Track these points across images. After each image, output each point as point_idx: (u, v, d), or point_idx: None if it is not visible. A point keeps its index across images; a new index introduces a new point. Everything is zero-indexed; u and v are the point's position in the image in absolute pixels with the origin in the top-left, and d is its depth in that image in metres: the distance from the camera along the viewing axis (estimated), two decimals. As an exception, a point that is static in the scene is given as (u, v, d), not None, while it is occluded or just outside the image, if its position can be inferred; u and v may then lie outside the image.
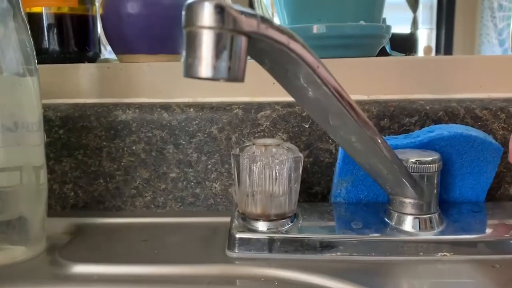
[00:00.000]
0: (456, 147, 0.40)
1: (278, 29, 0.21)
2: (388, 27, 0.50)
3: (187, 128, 0.46)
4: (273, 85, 0.48)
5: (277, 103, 0.46)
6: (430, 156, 0.37)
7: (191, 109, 0.46)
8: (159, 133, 0.46)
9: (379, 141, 0.29)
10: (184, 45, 0.20)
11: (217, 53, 0.19)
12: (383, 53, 0.58)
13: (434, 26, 3.08)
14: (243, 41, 0.19)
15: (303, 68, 0.23)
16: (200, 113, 0.46)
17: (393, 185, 0.36)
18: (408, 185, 0.34)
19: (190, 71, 0.19)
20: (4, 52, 0.37)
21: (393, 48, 0.64)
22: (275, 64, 0.23)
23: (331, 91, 0.25)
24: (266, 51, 0.22)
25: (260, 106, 0.46)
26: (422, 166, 0.36)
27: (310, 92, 0.25)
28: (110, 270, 0.36)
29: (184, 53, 0.20)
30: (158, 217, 0.46)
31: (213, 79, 0.19)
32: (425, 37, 3.05)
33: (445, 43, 2.88)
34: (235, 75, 0.20)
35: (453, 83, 0.47)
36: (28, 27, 0.39)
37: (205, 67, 0.19)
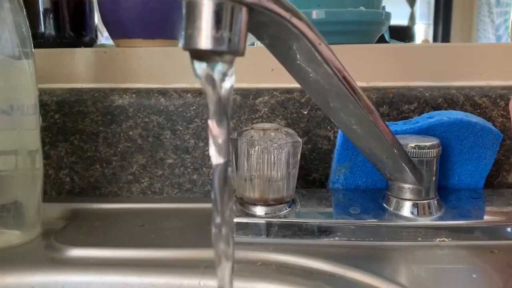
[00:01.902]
0: (455, 133, 0.39)
1: (281, 3, 0.20)
2: (388, 14, 0.49)
3: (184, 114, 0.46)
4: (271, 72, 0.48)
5: (276, 89, 0.46)
6: (430, 141, 0.36)
7: (189, 95, 0.46)
8: (156, 119, 0.46)
9: (380, 124, 0.29)
10: (184, 16, 0.19)
11: (217, 24, 0.18)
12: (382, 41, 0.57)
13: (431, 21, 3.08)
14: (244, 12, 0.19)
15: (304, 45, 0.23)
16: (198, 99, 0.46)
17: (393, 170, 0.36)
18: (408, 170, 0.34)
19: (189, 42, 0.19)
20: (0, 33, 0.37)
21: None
22: (275, 40, 0.23)
23: (333, 70, 0.24)
24: (267, 25, 0.21)
25: (259, 92, 0.46)
26: (422, 151, 0.36)
27: (311, 71, 0.25)
28: (107, 253, 0.36)
29: (183, 24, 0.19)
30: (155, 203, 0.45)
31: (212, 50, 0.19)
32: (423, 32, 3.04)
33: (442, 38, 2.89)
34: (235, 48, 0.19)
35: (452, 70, 0.47)
36: (24, 9, 0.38)
37: (204, 38, 0.19)
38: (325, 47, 0.23)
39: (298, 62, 0.24)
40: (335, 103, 0.27)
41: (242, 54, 0.19)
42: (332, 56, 0.24)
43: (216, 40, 0.19)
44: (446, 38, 2.86)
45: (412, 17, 2.96)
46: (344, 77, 0.25)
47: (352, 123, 0.29)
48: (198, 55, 0.20)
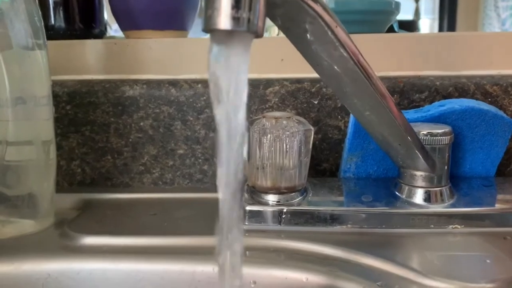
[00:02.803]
0: (467, 120, 0.39)
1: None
2: (398, 4, 0.49)
3: (195, 104, 0.46)
4: (281, 62, 0.48)
5: (286, 79, 0.46)
6: (442, 129, 0.36)
7: (199, 85, 0.46)
8: (167, 109, 0.46)
9: (394, 110, 0.29)
10: (203, -1, 0.19)
11: (237, 4, 0.18)
12: (391, 31, 0.57)
13: (436, 15, 3.06)
14: (262, -8, 0.19)
15: (320, 27, 0.23)
16: (208, 89, 0.46)
17: (405, 157, 0.36)
18: (420, 157, 0.34)
19: (209, 23, 0.19)
20: (13, 24, 0.37)
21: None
22: (291, 22, 0.23)
23: (348, 54, 0.24)
24: (282, 6, 0.21)
25: (269, 82, 0.46)
26: (434, 138, 0.36)
27: (326, 55, 0.25)
28: (120, 241, 0.36)
29: (203, 6, 0.19)
30: (167, 193, 0.46)
31: (232, 30, 0.19)
32: (428, 26, 3.03)
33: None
34: (254, 28, 0.19)
35: (463, 59, 0.47)
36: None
37: (224, 18, 0.19)
38: (341, 30, 0.23)
39: (313, 45, 0.24)
40: (349, 88, 0.27)
41: (261, 35, 0.20)
42: (348, 39, 0.24)
43: (236, 20, 0.19)
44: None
45: (417, 12, 2.95)
46: (359, 61, 0.25)
47: (366, 108, 0.29)
48: (217, 37, 0.20)
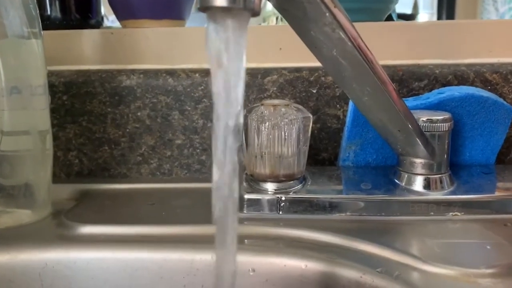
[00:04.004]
0: (467, 108, 0.39)
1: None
2: (396, -8, 0.49)
3: (192, 94, 0.46)
4: (279, 51, 0.48)
5: (284, 68, 0.46)
6: (442, 115, 0.36)
7: (197, 75, 0.46)
8: (164, 99, 0.46)
9: (394, 95, 0.29)
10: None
11: (233, -20, 0.18)
12: (389, 21, 0.57)
13: (435, 10, 3.06)
14: (259, -31, 0.19)
15: (318, 8, 0.22)
16: (206, 79, 0.45)
17: (404, 144, 0.35)
18: (420, 144, 0.34)
19: (205, 0, 0.19)
20: (8, 12, 0.37)
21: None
22: (288, 2, 0.22)
23: (347, 36, 0.24)
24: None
25: (267, 71, 0.46)
26: (434, 125, 0.36)
27: (324, 37, 0.24)
28: (118, 230, 0.36)
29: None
30: (164, 183, 0.45)
31: (228, 7, 0.18)
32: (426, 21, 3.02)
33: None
34: (251, 6, 0.19)
35: (462, 48, 0.46)
36: (31, -13, 0.38)
37: (220, -5, 0.18)
38: (340, 12, 0.23)
39: (311, 27, 0.24)
40: (348, 72, 0.27)
41: (258, 12, 0.19)
42: (347, 21, 0.24)
43: (232, -3, 0.18)
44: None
45: (415, 6, 2.94)
46: (358, 44, 0.25)
47: (365, 94, 0.29)
48: (213, 15, 0.19)
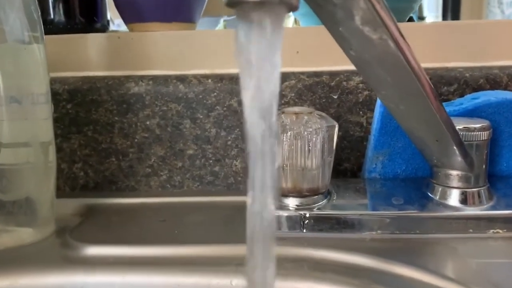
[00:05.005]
0: (504, 114, 0.36)
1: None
2: (420, -9, 0.46)
3: (205, 101, 0.43)
4: (296, 54, 0.45)
5: (303, 73, 0.43)
6: (479, 123, 0.33)
7: (209, 80, 0.43)
8: (175, 107, 0.43)
9: (436, 102, 0.26)
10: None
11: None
12: (410, 21, 0.54)
13: (440, 13, 3.03)
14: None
15: (358, 3, 0.19)
16: (219, 85, 0.43)
17: (441, 155, 0.32)
18: (459, 155, 0.31)
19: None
20: (7, 16, 0.34)
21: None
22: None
23: (391, 36, 0.21)
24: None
25: (284, 76, 0.43)
26: (471, 133, 0.33)
27: (363, 36, 0.21)
28: (127, 251, 0.33)
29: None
30: (176, 197, 0.42)
31: (261, 1, 0.15)
32: (432, 24, 2.99)
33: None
34: (289, -1, 0.16)
35: (494, 49, 0.43)
36: (33, -11, 0.35)
37: (253, -13, 0.15)
38: (383, 9, 0.20)
39: (348, 25, 0.21)
40: (388, 77, 0.24)
41: (296, 7, 0.16)
42: (391, 19, 0.21)
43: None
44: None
45: (420, 9, 2.92)
46: (402, 48, 0.22)
47: (403, 101, 0.26)
48: (243, 12, 0.16)
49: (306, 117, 0.34)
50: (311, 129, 0.33)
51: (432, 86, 0.25)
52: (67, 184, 0.45)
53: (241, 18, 0.16)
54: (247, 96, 0.16)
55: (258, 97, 0.16)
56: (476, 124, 0.33)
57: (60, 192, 0.43)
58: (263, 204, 0.18)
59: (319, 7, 0.21)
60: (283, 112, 0.34)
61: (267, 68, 0.17)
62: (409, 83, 0.24)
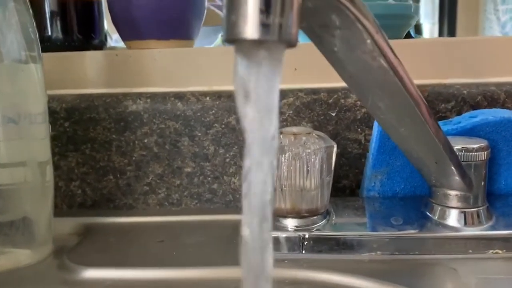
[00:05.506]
0: (502, 133, 0.36)
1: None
2: (417, 7, 0.46)
3: (203, 119, 0.43)
4: (294, 71, 0.45)
5: (300, 90, 0.43)
6: (478, 143, 0.33)
7: (207, 98, 0.43)
8: (173, 125, 0.43)
9: (434, 125, 0.26)
10: (225, 2, 0.16)
11: (267, 8, 0.15)
12: (407, 37, 0.54)
13: (436, 20, 3.04)
14: (297, -6, 0.16)
15: (359, 34, 0.19)
16: (217, 102, 0.43)
17: (440, 175, 0.32)
18: (457, 175, 0.31)
19: (233, 32, 0.16)
20: (4, 36, 0.34)
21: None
22: (325, 28, 0.20)
23: (389, 64, 0.21)
24: (315, 10, 0.18)
25: (282, 94, 0.43)
26: (470, 154, 0.33)
27: (362, 65, 0.22)
28: (125, 274, 0.32)
29: (224, 12, 0.16)
30: (174, 215, 0.42)
31: (260, 40, 0.15)
32: (428, 31, 3.00)
33: (448, 37, 2.84)
34: (287, 37, 0.16)
35: (491, 65, 0.43)
36: (30, 9, 0.35)
37: (251, 25, 0.15)
38: (382, 37, 0.20)
39: (347, 55, 0.21)
40: (386, 103, 0.24)
41: (294, 44, 0.16)
42: (388, 48, 0.21)
43: (265, 27, 0.15)
44: (451, 36, 2.82)
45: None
46: (400, 75, 0.22)
47: (403, 125, 0.26)
48: (242, 48, 0.16)
49: (304, 138, 0.34)
50: (309, 150, 0.33)
51: (430, 110, 0.25)
52: (65, 202, 0.45)
53: (240, 53, 0.16)
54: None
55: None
56: (475, 144, 0.33)
57: (58, 210, 0.43)
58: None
59: (318, 38, 0.21)
60: (281, 133, 0.34)
61: (265, 101, 0.17)
62: (407, 109, 0.24)
